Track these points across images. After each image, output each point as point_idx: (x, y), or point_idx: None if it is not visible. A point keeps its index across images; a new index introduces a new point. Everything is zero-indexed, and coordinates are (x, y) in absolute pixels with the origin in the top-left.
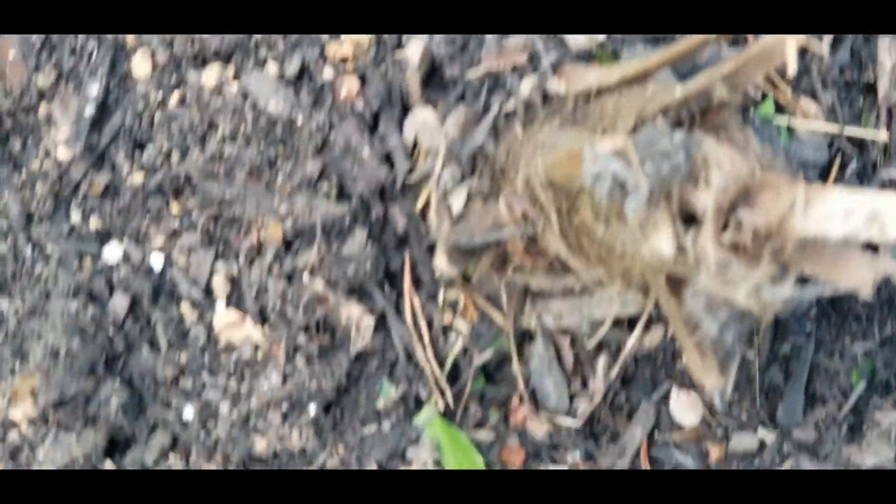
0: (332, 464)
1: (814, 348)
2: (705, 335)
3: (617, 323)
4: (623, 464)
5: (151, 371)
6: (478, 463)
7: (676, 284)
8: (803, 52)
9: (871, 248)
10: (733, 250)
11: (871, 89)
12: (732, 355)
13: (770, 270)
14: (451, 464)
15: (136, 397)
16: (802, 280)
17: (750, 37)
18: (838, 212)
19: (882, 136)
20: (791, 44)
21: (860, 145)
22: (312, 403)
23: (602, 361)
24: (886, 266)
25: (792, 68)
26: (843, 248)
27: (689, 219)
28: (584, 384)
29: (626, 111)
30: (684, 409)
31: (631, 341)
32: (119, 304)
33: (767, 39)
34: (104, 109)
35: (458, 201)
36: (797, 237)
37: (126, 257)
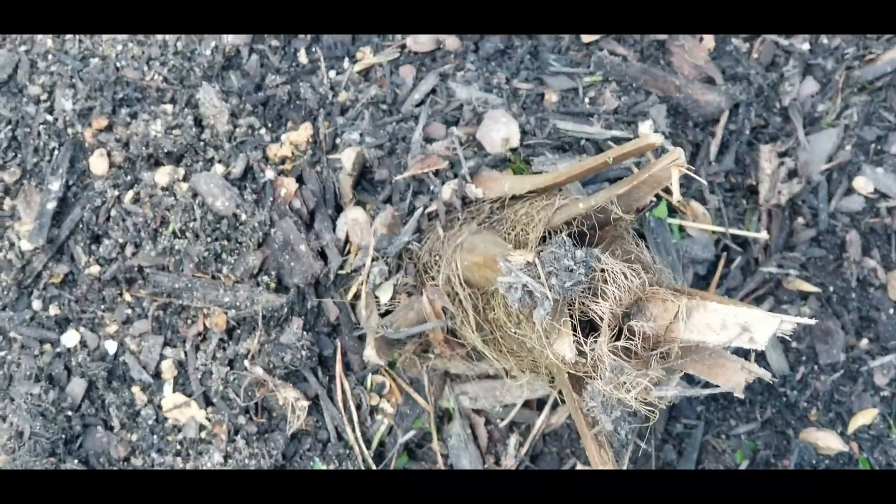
0: None
1: (703, 429)
2: (602, 430)
3: (527, 404)
4: None
5: (105, 450)
6: None
7: (578, 380)
8: (693, 157)
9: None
10: (625, 355)
11: (753, 192)
12: (627, 447)
13: (657, 374)
14: None
15: None
16: (690, 378)
17: (636, 168)
18: (715, 323)
19: (763, 235)
20: (675, 173)
21: (743, 244)
22: None
23: (513, 439)
24: (756, 370)
25: (676, 195)
26: (721, 354)
27: (589, 325)
28: (497, 460)
29: (536, 220)
30: None
31: (539, 421)
32: (76, 387)
33: (654, 168)
34: (64, 204)
35: (385, 295)
36: (681, 343)
37: (83, 343)
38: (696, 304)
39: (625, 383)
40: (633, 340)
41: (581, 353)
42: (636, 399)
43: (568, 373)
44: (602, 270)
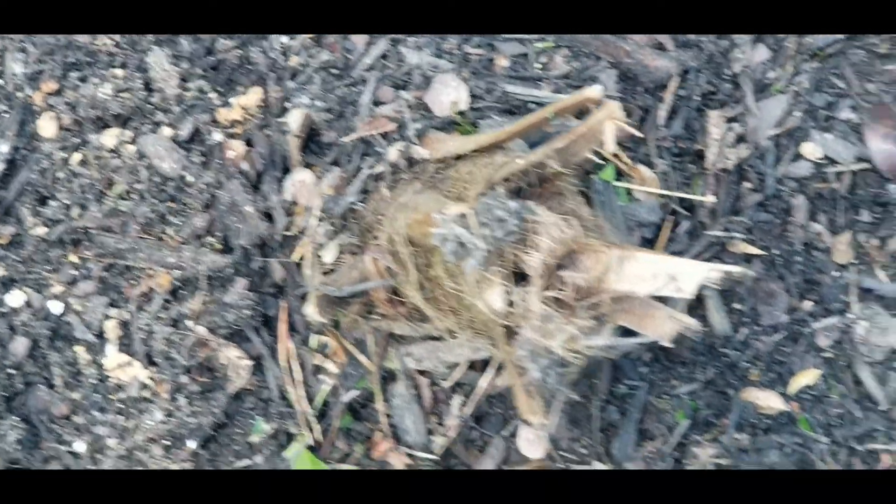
0: None
1: (646, 390)
2: (531, 379)
3: (472, 365)
4: None
5: (47, 408)
6: None
7: (512, 334)
8: (642, 121)
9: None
10: (556, 305)
11: (701, 157)
12: (557, 396)
13: (585, 323)
14: None
15: (32, 432)
16: (628, 332)
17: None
18: (645, 273)
19: (709, 199)
20: (609, 126)
21: (690, 208)
22: (192, 438)
23: (457, 400)
24: (685, 320)
25: (609, 146)
26: (651, 304)
27: (523, 277)
28: (441, 421)
29: (477, 178)
30: (531, 445)
31: (483, 382)
32: (20, 346)
33: (590, 121)
34: (12, 166)
35: (329, 255)
36: (612, 294)
37: (27, 303)
38: (628, 256)
39: (552, 331)
40: (563, 291)
41: (511, 304)
42: (563, 347)
43: (502, 326)
44: (536, 222)
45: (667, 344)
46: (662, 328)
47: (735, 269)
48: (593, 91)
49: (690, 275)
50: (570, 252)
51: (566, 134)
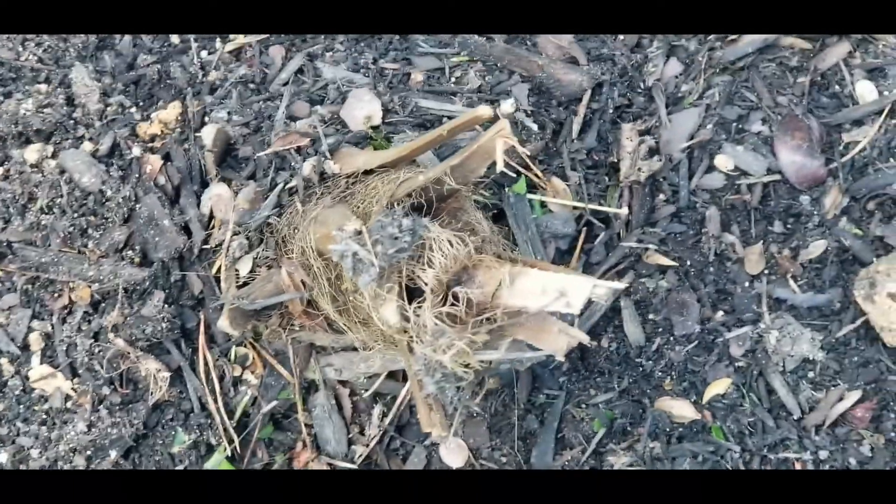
0: None
1: (564, 399)
2: (428, 392)
3: (392, 375)
4: None
5: None
6: None
7: (412, 348)
8: (556, 134)
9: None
10: (450, 321)
11: (615, 169)
12: (458, 409)
13: (479, 338)
14: None
15: None
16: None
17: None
18: (535, 288)
19: (623, 210)
20: (500, 143)
21: (605, 219)
22: (113, 449)
23: (377, 410)
24: (575, 335)
25: (500, 166)
26: (544, 319)
27: (423, 293)
28: (362, 431)
29: (381, 193)
30: (452, 453)
31: (403, 392)
32: None
33: (482, 139)
34: None
35: (244, 268)
36: (505, 309)
37: None
38: (520, 271)
39: (443, 346)
40: (457, 306)
41: (407, 319)
42: (454, 361)
43: (405, 339)
44: (430, 239)
45: (560, 358)
46: (556, 342)
47: (619, 285)
48: (483, 111)
49: (578, 290)
50: (465, 268)
51: (460, 151)
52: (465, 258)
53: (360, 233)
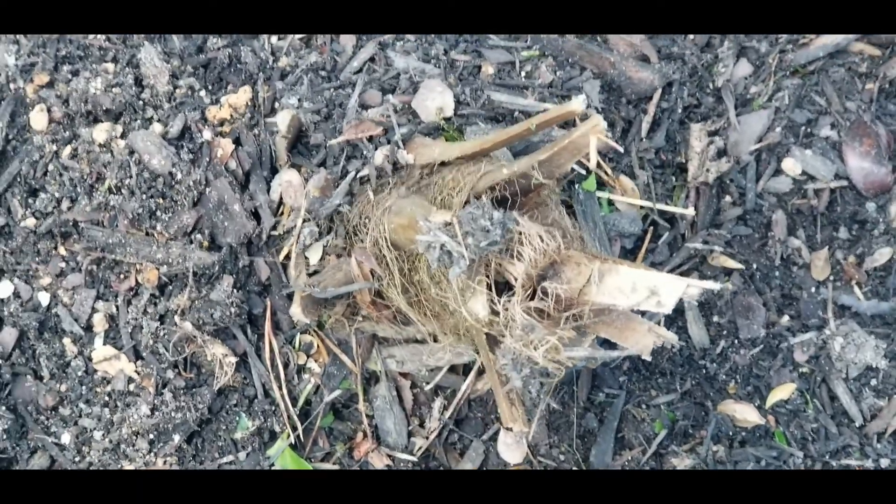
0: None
1: (625, 399)
2: (513, 387)
3: (453, 369)
4: None
5: (34, 399)
6: None
7: (494, 341)
8: (625, 133)
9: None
10: (538, 316)
11: (682, 170)
12: (538, 405)
13: (567, 334)
14: None
15: (19, 423)
16: (609, 343)
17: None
18: (625, 286)
19: (689, 211)
20: (593, 139)
21: (671, 220)
22: (177, 433)
23: (438, 403)
24: (664, 334)
25: (593, 161)
26: (631, 317)
27: (507, 286)
28: (422, 423)
29: (461, 185)
30: (510, 449)
31: (464, 386)
32: (8, 336)
33: (574, 134)
34: (3, 157)
35: (314, 256)
36: (593, 306)
37: (16, 294)
38: (609, 268)
39: (534, 341)
40: (546, 301)
41: (495, 313)
42: (545, 357)
43: (485, 333)
44: (519, 233)
45: (647, 357)
46: (642, 341)
47: (714, 285)
48: (576, 104)
49: (670, 289)
50: (553, 263)
51: (550, 146)
52: (554, 253)
53: (449, 224)
